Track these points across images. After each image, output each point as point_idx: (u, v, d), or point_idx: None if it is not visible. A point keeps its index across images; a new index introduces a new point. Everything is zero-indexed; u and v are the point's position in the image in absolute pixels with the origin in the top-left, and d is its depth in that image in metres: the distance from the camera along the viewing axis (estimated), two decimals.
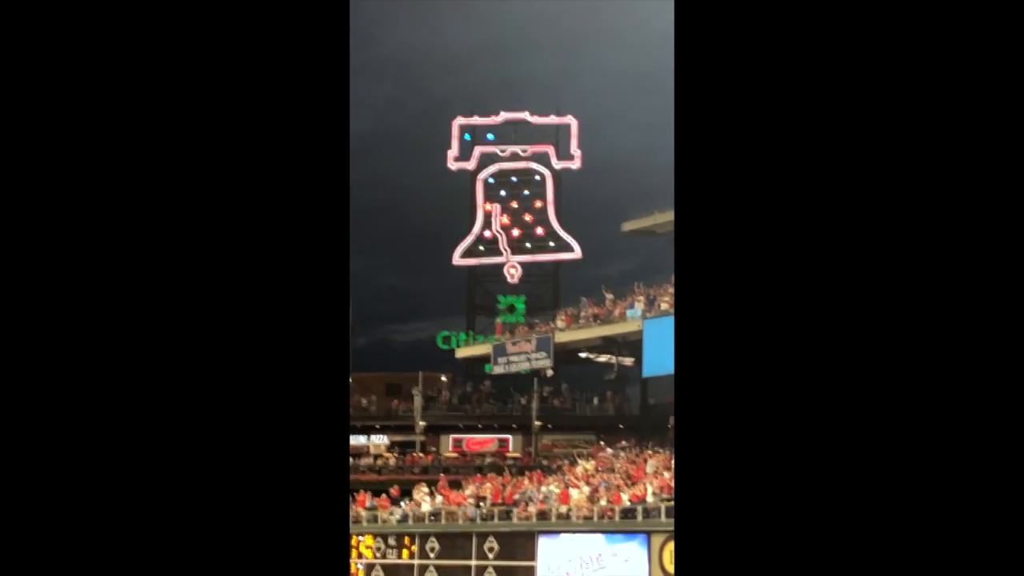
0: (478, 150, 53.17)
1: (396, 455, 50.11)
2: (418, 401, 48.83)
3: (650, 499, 31.75)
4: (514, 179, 53.12)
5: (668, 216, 36.98)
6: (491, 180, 53.02)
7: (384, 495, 40.88)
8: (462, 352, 48.93)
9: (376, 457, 50.25)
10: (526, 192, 52.83)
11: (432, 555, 36.02)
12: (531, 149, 52.92)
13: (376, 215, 78.56)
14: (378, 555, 37.67)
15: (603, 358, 42.72)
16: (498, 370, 44.27)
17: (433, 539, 36.26)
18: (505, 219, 52.45)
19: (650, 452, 37.32)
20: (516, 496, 36.36)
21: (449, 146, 53.28)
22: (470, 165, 53.17)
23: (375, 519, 38.88)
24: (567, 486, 35.61)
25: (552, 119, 53.42)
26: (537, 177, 52.87)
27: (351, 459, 46.91)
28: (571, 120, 53.16)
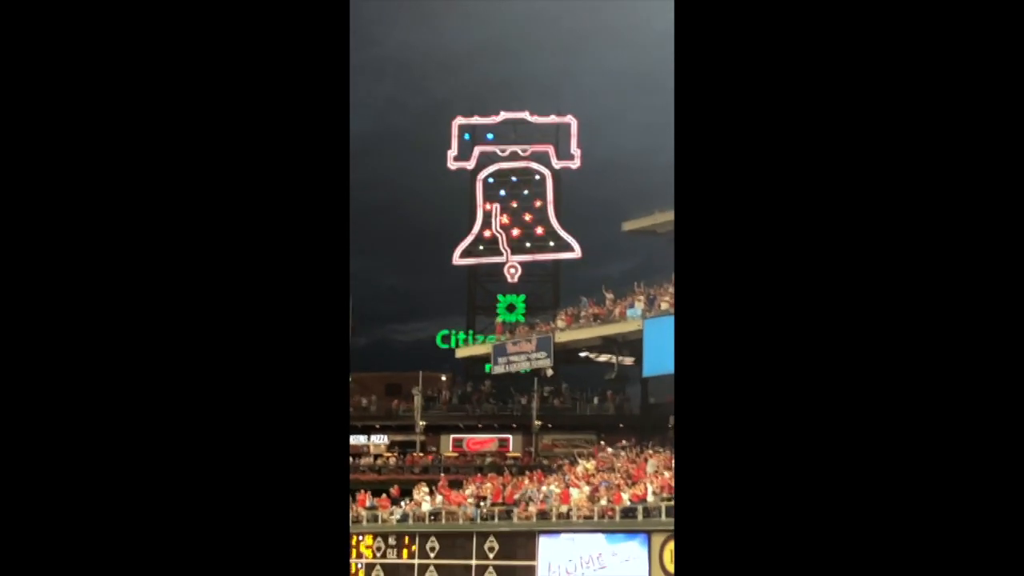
0: (478, 150, 53.18)
1: (396, 455, 50.12)
2: (418, 401, 48.84)
3: (650, 499, 31.76)
4: (514, 179, 53.14)
5: (668, 216, 36.99)
6: (491, 180, 53.04)
7: (384, 495, 40.90)
8: (462, 352, 48.96)
9: (376, 457, 50.26)
10: (526, 192, 52.84)
11: (432, 555, 36.02)
12: (531, 149, 52.93)
13: (376, 215, 78.62)
14: (378, 555, 37.68)
15: (603, 358, 42.73)
16: (498, 370, 44.28)
17: (433, 539, 36.27)
18: (505, 219, 52.47)
19: (650, 452, 37.33)
20: (516, 496, 36.37)
21: (449, 146, 53.29)
22: (470, 165, 53.20)
23: (375, 519, 38.89)
24: (567, 486, 35.62)
25: (552, 119, 53.44)
26: (537, 177, 52.89)
27: (351, 459, 46.93)
28: (571, 120, 53.19)
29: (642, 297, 38.84)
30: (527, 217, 52.52)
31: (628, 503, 32.16)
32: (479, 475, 42.47)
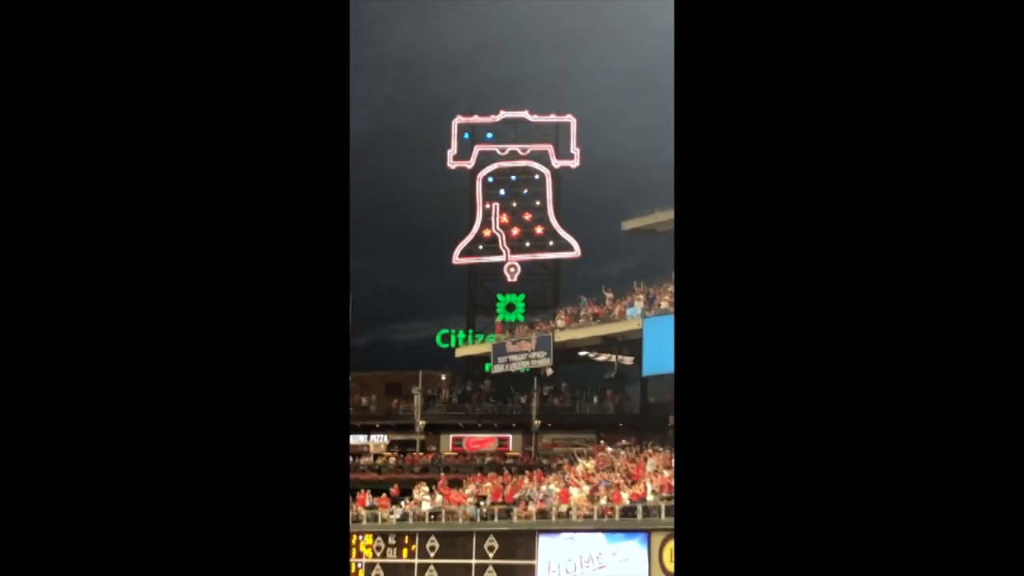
0: (477, 149, 53.16)
1: (396, 454, 50.11)
2: (418, 400, 48.83)
3: (650, 498, 31.77)
4: (513, 178, 53.11)
5: (668, 215, 36.98)
6: (490, 179, 53.01)
7: (384, 494, 40.89)
8: (462, 351, 48.95)
9: (376, 456, 50.24)
10: (525, 191, 52.82)
11: (432, 554, 36.02)
12: (530, 148, 52.90)
13: (376, 214, 78.54)
14: (378, 554, 37.67)
15: (603, 357, 42.73)
16: (498, 369, 44.26)
17: (433, 538, 36.26)
18: (504, 218, 52.45)
19: (650, 451, 37.33)
20: (516, 495, 36.37)
21: (448, 145, 53.27)
22: (469, 164, 53.17)
23: (375, 518, 38.89)
24: (567, 485, 35.62)
25: (551, 118, 53.42)
26: (536, 176, 52.86)
27: (351, 458, 46.93)
28: (570, 119, 53.16)
29: (642, 296, 38.84)
30: (527, 216, 52.50)
31: (628, 502, 32.17)
32: (479, 474, 42.46)
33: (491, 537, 34.67)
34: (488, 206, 52.63)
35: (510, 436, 50.13)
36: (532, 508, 34.68)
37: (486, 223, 52.48)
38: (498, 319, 50.88)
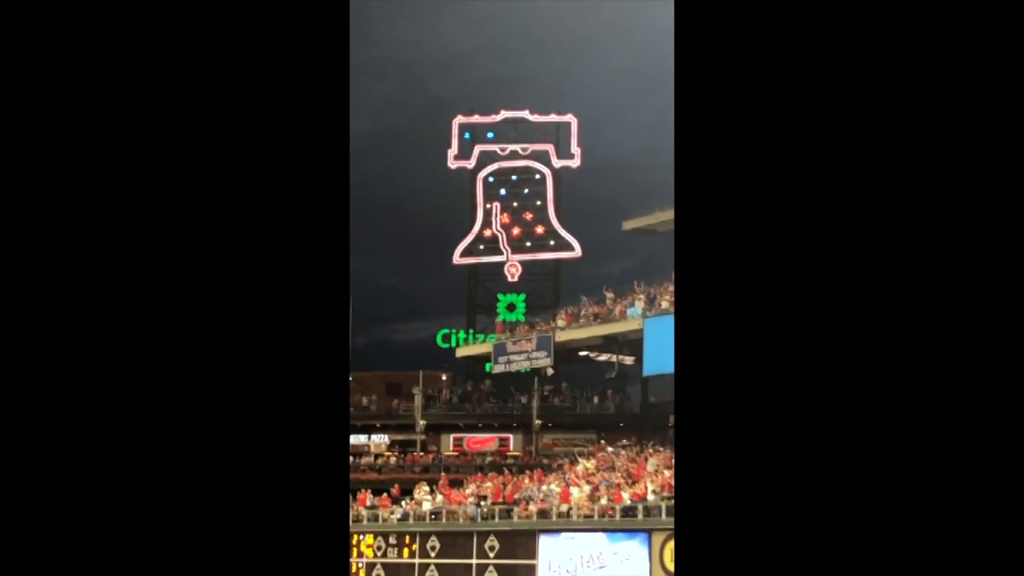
0: (478, 149, 53.16)
1: (397, 454, 50.11)
2: (418, 400, 48.83)
3: (651, 498, 31.78)
4: (514, 178, 53.12)
5: (668, 215, 36.96)
6: (491, 179, 53.02)
7: (385, 494, 40.89)
8: (462, 351, 48.96)
9: (377, 456, 50.25)
10: (526, 191, 52.82)
11: (433, 554, 36.03)
12: (531, 148, 52.90)
13: (376, 214, 78.58)
14: (379, 554, 37.68)
15: (603, 357, 42.72)
16: (498, 369, 44.26)
17: (434, 538, 36.27)
18: (505, 218, 52.45)
19: (651, 451, 37.34)
20: (517, 495, 36.37)
21: (449, 145, 53.26)
22: (470, 164, 53.17)
23: (376, 518, 38.90)
24: (568, 485, 35.62)
25: (552, 117, 53.42)
26: (537, 176, 52.87)
27: (352, 458, 46.94)
28: (571, 118, 53.16)
29: (642, 296, 38.83)
30: (527, 216, 52.50)
31: (628, 502, 32.17)
32: (479, 474, 42.47)
33: (492, 537, 34.68)
34: (489, 206, 52.63)
35: (511, 436, 50.14)
36: (533, 508, 34.68)
37: (487, 223, 52.49)
38: (499, 319, 50.88)
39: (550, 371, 43.66)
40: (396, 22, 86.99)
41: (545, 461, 44.58)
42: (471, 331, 52.00)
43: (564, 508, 33.80)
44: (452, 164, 53.40)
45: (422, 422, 48.71)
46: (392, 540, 37.45)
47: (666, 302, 36.56)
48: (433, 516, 37.42)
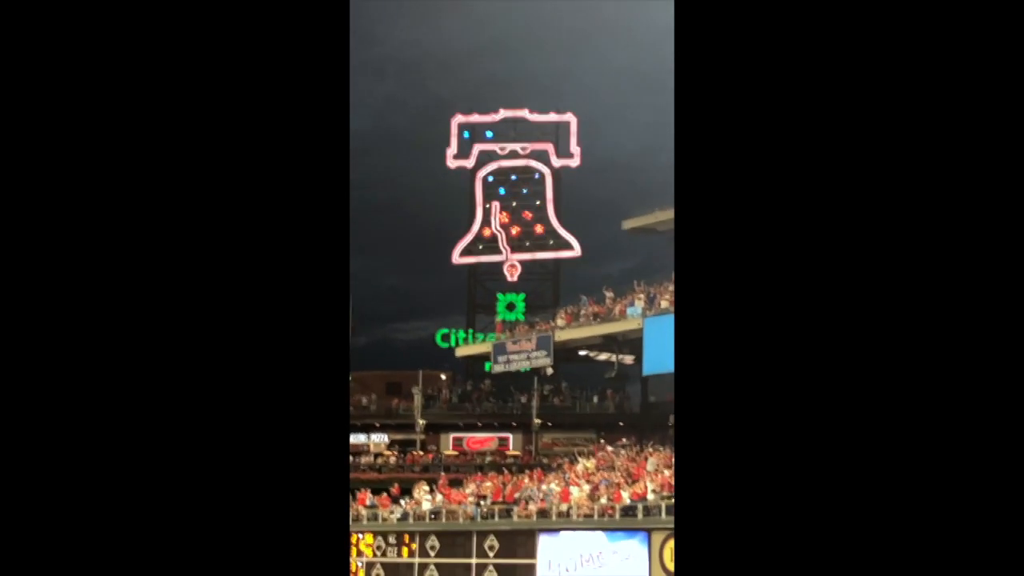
0: (477, 148, 53.12)
1: (396, 453, 50.10)
2: (418, 400, 48.81)
3: (650, 497, 31.79)
4: (513, 177, 53.07)
5: (668, 214, 36.95)
6: (490, 178, 52.98)
7: (384, 493, 40.88)
8: (462, 351, 48.94)
9: (376, 455, 50.24)
10: (525, 190, 52.77)
11: (432, 553, 36.03)
12: (530, 147, 52.87)
13: (376, 214, 78.54)
14: (378, 553, 37.67)
15: (603, 356, 42.70)
16: (498, 368, 44.24)
17: (433, 537, 36.26)
18: (504, 217, 52.41)
19: (650, 450, 37.33)
20: (516, 494, 36.37)
21: (448, 144, 53.23)
22: (469, 163, 53.12)
23: (375, 517, 38.89)
24: (567, 484, 35.63)
25: (551, 116, 53.36)
26: (536, 175, 52.83)
27: (351, 457, 46.92)
28: (570, 118, 53.11)
29: (642, 296, 38.82)
30: (527, 216, 52.47)
31: (628, 501, 32.18)
32: (479, 474, 42.46)
33: (491, 536, 34.68)
34: (488, 205, 52.59)
35: (510, 435, 50.12)
36: (532, 507, 34.69)
37: (486, 222, 52.46)
38: (498, 318, 50.84)
39: (550, 371, 43.65)
40: (396, 22, 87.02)
41: (545, 461, 44.58)
42: (471, 331, 51.98)
43: (564, 507, 33.80)
44: (451, 163, 53.36)
45: (422, 422, 48.70)
46: (392, 539, 37.44)
47: (666, 302, 36.55)
48: (433, 515, 37.41)
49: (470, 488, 38.94)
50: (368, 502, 40.03)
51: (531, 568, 33.31)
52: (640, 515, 31.36)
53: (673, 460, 31.90)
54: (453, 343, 50.68)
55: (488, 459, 48.13)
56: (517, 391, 49.10)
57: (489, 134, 53.43)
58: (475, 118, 53.69)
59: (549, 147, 52.79)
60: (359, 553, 37.85)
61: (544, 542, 33.38)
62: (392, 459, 49.62)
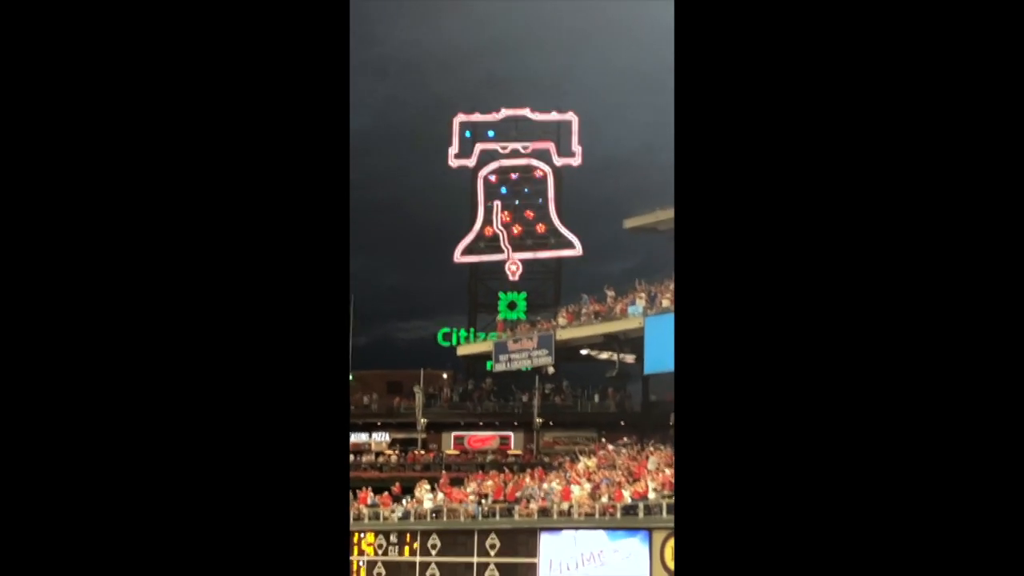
0: (479, 147, 53.08)
1: (398, 452, 50.10)
2: (419, 399, 48.80)
3: (651, 496, 31.79)
4: (515, 176, 53.05)
5: (669, 213, 36.88)
6: (492, 177, 52.96)
7: (386, 492, 40.87)
8: (463, 350, 48.94)
9: (378, 454, 50.23)
10: (527, 189, 52.74)
11: (434, 552, 36.03)
12: (532, 146, 52.84)
13: (377, 213, 78.48)
14: (380, 552, 37.68)
15: (604, 355, 42.68)
16: (499, 367, 44.22)
17: (435, 536, 36.27)
18: (506, 216, 52.38)
19: (651, 449, 37.32)
20: (518, 493, 36.37)
21: (450, 143, 53.22)
22: (471, 162, 53.08)
23: (377, 516, 38.89)
24: (569, 483, 35.63)
25: (553, 115, 53.32)
26: (538, 174, 52.80)
27: (353, 456, 46.93)
28: (572, 117, 53.08)
29: (643, 295, 38.81)
30: (528, 215, 52.44)
31: (629, 500, 32.18)
32: (480, 472, 42.46)
33: (493, 535, 34.68)
34: (489, 204, 52.57)
35: (512, 434, 50.12)
36: (534, 506, 34.69)
37: (487, 221, 52.43)
38: (499, 317, 50.82)
39: (551, 369, 43.60)
40: (397, 21, 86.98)
41: (546, 459, 44.57)
42: (472, 330, 51.97)
43: (565, 506, 33.80)
44: (453, 163, 53.33)
45: (423, 420, 48.68)
46: (393, 538, 37.44)
47: (667, 300, 36.53)
48: (434, 514, 37.41)
49: (471, 487, 38.94)
50: (369, 501, 40.03)
51: (532, 567, 33.31)
52: (641, 514, 31.36)
53: (674, 459, 31.89)
54: (454, 342, 50.68)
55: (489, 458, 48.13)
56: (518, 390, 49.08)
57: (491, 133, 53.40)
58: (477, 117, 53.66)
59: (551, 146, 52.74)
60: (361, 552, 37.87)
61: (545, 541, 33.38)
62: (393, 458, 49.62)
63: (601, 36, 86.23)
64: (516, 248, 52.11)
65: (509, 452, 49.27)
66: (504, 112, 53.53)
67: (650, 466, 34.43)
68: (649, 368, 38.33)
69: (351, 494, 38.78)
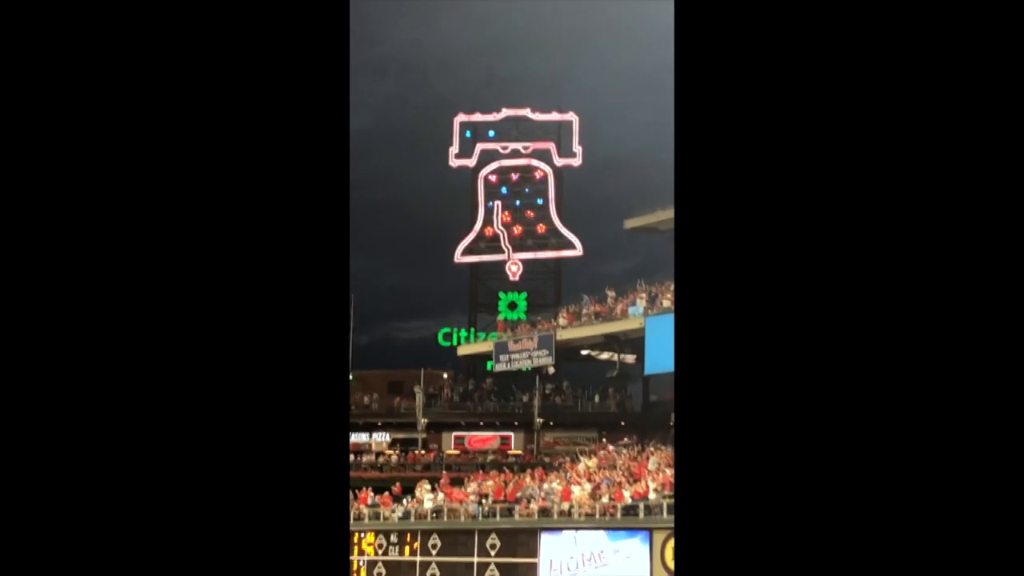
0: (479, 147, 53.10)
1: (398, 452, 50.11)
2: (420, 399, 48.80)
3: (652, 496, 31.79)
4: (515, 176, 53.08)
5: (670, 213, 36.91)
6: (492, 177, 52.99)
7: (386, 492, 40.88)
8: (464, 350, 48.97)
9: (378, 454, 50.25)
10: (527, 189, 52.76)
11: (434, 552, 36.04)
12: (532, 146, 52.86)
13: (378, 213, 78.50)
14: (380, 552, 37.69)
15: (605, 355, 42.70)
16: (500, 368, 44.25)
17: (435, 536, 36.27)
18: (506, 216, 52.40)
19: (652, 449, 37.33)
20: (518, 493, 36.38)
21: (450, 143, 53.24)
22: (471, 162, 53.10)
23: (377, 516, 38.90)
24: (569, 483, 35.64)
25: (553, 116, 53.34)
26: (538, 174, 52.82)
27: (353, 456, 46.95)
28: (572, 117, 53.09)
29: (644, 295, 38.83)
30: (529, 215, 52.45)
31: (630, 500, 32.19)
32: (481, 472, 42.47)
33: (493, 535, 34.69)
34: (490, 204, 52.58)
35: (512, 434, 50.14)
36: (534, 506, 34.69)
37: (488, 221, 52.45)
38: (500, 317, 50.83)
39: (551, 370, 43.62)
40: (397, 22, 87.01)
41: (546, 459, 44.58)
42: (472, 330, 51.99)
43: (565, 506, 33.81)
44: (453, 163, 53.35)
45: (424, 420, 48.68)
46: (393, 538, 37.45)
47: (667, 301, 36.55)
48: (435, 514, 37.41)
49: (472, 487, 38.95)
50: (370, 501, 40.03)
51: (533, 567, 33.31)
52: (641, 514, 31.36)
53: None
54: (455, 342, 50.71)
55: (490, 458, 48.15)
56: (519, 390, 49.09)
57: (491, 133, 53.42)
58: (477, 117, 53.68)
59: (551, 146, 52.76)
60: (361, 552, 37.88)
61: (546, 541, 33.39)
62: (394, 458, 49.63)
63: (601, 36, 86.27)
64: (516, 248, 52.13)
65: (509, 452, 49.28)
66: (505, 112, 53.55)
67: (650, 466, 34.44)
68: (649, 368, 38.34)
69: (352, 494, 38.79)
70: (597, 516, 32.64)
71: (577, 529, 32.78)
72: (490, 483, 38.62)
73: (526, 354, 42.58)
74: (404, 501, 39.61)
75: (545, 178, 52.69)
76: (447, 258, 53.39)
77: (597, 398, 49.15)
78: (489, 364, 45.68)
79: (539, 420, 46.66)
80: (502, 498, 36.77)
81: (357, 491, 40.26)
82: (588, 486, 34.70)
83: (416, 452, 49.28)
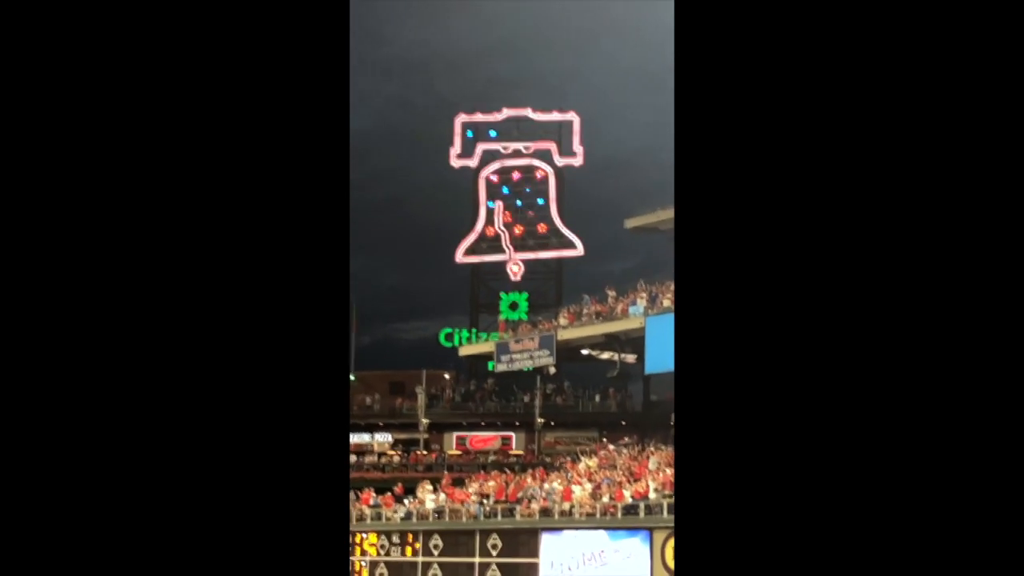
0: (480, 147, 53.10)
1: (400, 453, 50.12)
2: (422, 399, 48.81)
3: (652, 496, 31.79)
4: (516, 176, 53.08)
5: (670, 213, 36.84)
6: (493, 177, 52.99)
7: (388, 493, 40.87)
8: (465, 350, 48.95)
9: (380, 455, 50.26)
10: (528, 189, 52.76)
11: (436, 552, 36.04)
12: (533, 146, 52.85)
13: (378, 213, 78.52)
14: (382, 552, 37.69)
15: (606, 355, 42.66)
16: (501, 368, 44.21)
17: (437, 536, 36.27)
18: (507, 216, 52.40)
19: (652, 449, 37.32)
20: (519, 493, 36.38)
21: (451, 143, 53.24)
22: (472, 162, 53.10)
23: (379, 517, 38.89)
24: (570, 483, 35.63)
25: (555, 115, 53.34)
26: (539, 174, 52.82)
27: (355, 457, 46.97)
28: (573, 117, 53.08)
29: (644, 294, 38.81)
30: (530, 214, 52.46)
31: (630, 500, 32.18)
32: (482, 473, 42.47)
33: (494, 535, 34.69)
34: (491, 204, 52.60)
35: (513, 435, 50.15)
36: (535, 506, 34.69)
37: (489, 221, 52.46)
38: (501, 318, 50.81)
39: (552, 370, 43.59)
40: (404, 22, 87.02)
41: (547, 459, 44.58)
42: (474, 330, 52.00)
43: (566, 506, 33.80)
44: (455, 163, 53.35)
45: (425, 421, 48.70)
46: (395, 539, 37.45)
47: (668, 300, 36.53)
48: (436, 515, 37.41)
49: (473, 487, 38.95)
50: (372, 501, 40.02)
51: (534, 567, 33.31)
52: (642, 514, 31.35)
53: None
54: (456, 342, 50.72)
55: (491, 458, 48.16)
56: (520, 390, 49.10)
57: (493, 133, 53.42)
58: (479, 117, 53.68)
59: (552, 146, 52.76)
60: (363, 552, 37.88)
61: (547, 541, 33.39)
62: (396, 458, 49.64)
63: (604, 36, 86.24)
64: (518, 248, 52.12)
65: (511, 452, 49.29)
66: (506, 112, 53.55)
67: (651, 466, 34.43)
68: (650, 368, 38.31)
69: (353, 495, 38.79)
70: (598, 516, 32.62)
71: (578, 529, 32.77)
72: (491, 483, 38.62)
73: (527, 354, 42.57)
74: (406, 501, 39.61)
75: (546, 178, 52.68)
76: (448, 258, 53.41)
77: (598, 398, 49.15)
78: (490, 364, 45.65)
79: (540, 420, 46.66)
80: (503, 498, 36.76)
81: (359, 492, 40.25)
82: (589, 486, 34.69)
83: (418, 452, 49.29)
